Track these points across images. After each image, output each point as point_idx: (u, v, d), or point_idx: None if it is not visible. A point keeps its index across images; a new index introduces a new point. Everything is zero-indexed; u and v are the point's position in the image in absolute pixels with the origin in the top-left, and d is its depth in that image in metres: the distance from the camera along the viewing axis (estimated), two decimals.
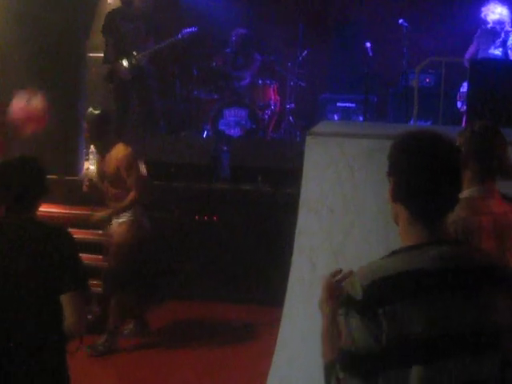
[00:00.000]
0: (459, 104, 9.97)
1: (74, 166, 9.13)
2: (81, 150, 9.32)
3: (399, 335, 2.33)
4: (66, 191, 8.68)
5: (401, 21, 10.57)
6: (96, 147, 7.50)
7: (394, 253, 2.48)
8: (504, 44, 9.60)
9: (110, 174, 7.04)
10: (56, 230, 3.70)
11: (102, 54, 10.37)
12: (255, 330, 7.68)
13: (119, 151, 7.02)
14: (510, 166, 3.74)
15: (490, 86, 7.90)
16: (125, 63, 9.94)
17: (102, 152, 7.13)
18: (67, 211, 8.55)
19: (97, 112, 6.95)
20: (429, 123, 9.79)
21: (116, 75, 10.02)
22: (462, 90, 9.91)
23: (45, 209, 8.22)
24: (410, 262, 2.41)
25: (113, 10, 10.26)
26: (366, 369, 2.38)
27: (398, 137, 2.55)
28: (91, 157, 9.55)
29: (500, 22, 9.65)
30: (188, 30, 10.17)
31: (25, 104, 6.93)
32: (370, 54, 10.79)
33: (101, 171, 7.20)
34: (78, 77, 9.13)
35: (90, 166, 9.52)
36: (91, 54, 10.20)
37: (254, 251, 8.31)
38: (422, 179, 2.45)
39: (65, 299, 3.51)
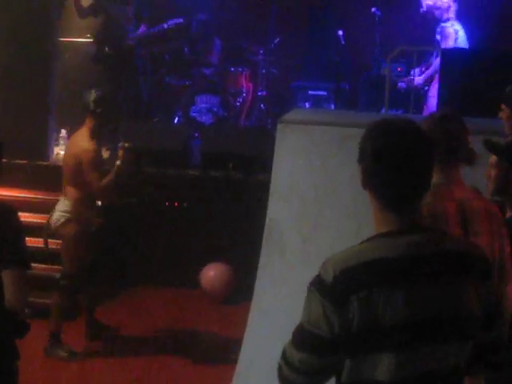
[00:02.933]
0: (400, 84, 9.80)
1: (43, 150, 9.06)
2: (51, 134, 9.26)
3: (371, 322, 2.34)
4: (33, 176, 8.64)
5: (373, 9, 10.58)
6: (100, 130, 6.83)
7: (367, 240, 2.48)
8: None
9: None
10: (3, 207, 3.65)
11: (75, 39, 10.36)
12: (224, 319, 7.69)
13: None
14: (472, 151, 3.77)
15: (462, 76, 7.94)
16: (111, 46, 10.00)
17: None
18: (35, 196, 8.50)
19: (103, 92, 6.73)
20: (400, 112, 9.81)
21: (105, 56, 10.06)
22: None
23: (12, 193, 8.29)
24: (382, 250, 2.41)
25: None
26: (313, 347, 2.42)
27: (368, 125, 2.54)
28: (61, 142, 9.50)
29: (435, 8, 9.37)
30: (174, 20, 10.48)
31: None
32: (343, 42, 10.80)
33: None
34: (49, 61, 9.07)
35: (60, 152, 9.47)
36: (63, 39, 10.12)
37: (224, 239, 8.31)
38: (387, 166, 2.43)
39: (7, 276, 3.39)
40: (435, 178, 3.63)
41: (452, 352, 2.44)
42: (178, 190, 8.62)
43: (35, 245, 7.19)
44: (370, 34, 10.71)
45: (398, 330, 2.36)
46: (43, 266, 7.77)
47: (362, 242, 2.48)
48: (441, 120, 3.74)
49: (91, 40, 10.44)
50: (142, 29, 10.45)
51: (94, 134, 6.72)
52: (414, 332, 2.38)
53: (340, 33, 10.80)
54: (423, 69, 9.66)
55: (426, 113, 9.02)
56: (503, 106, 4.95)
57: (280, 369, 2.51)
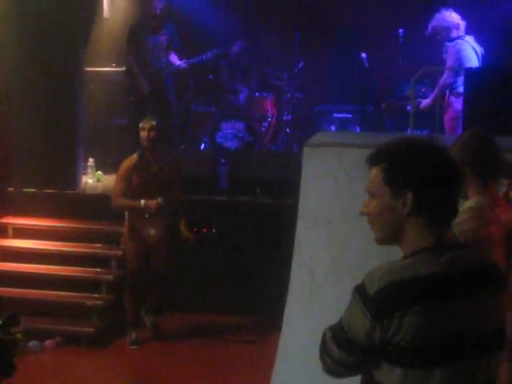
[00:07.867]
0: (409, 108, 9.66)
1: (71, 179, 9.14)
2: (79, 163, 9.34)
3: (421, 337, 2.37)
4: (63, 205, 8.72)
5: (400, 30, 10.58)
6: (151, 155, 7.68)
7: (412, 255, 2.50)
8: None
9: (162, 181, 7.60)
10: None
11: (100, 69, 10.50)
12: (255, 343, 7.69)
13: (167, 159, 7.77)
14: (506, 164, 3.77)
15: (486, 95, 7.91)
16: (146, 78, 10.13)
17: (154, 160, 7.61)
18: (65, 225, 8.59)
19: (155, 121, 7.55)
20: (425, 132, 9.79)
21: (136, 88, 10.16)
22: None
23: (41, 222, 8.39)
24: (427, 265, 2.44)
25: (137, 23, 10.44)
26: (351, 350, 2.48)
27: (407, 150, 2.57)
28: (89, 171, 9.58)
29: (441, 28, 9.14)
30: (216, 50, 10.61)
31: None
32: (366, 64, 10.81)
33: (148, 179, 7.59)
34: (75, 90, 9.16)
35: (89, 180, 9.55)
36: (89, 69, 10.23)
37: (253, 263, 8.31)
38: (447, 189, 2.51)
39: None
40: (477, 201, 3.63)
41: (493, 363, 2.51)
42: (206, 216, 8.64)
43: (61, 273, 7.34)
44: (393, 56, 10.73)
45: (447, 345, 2.40)
46: (74, 294, 7.84)
47: (407, 257, 2.51)
48: (470, 139, 3.75)
49: (118, 69, 10.58)
50: (173, 58, 10.53)
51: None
52: (461, 347, 2.42)
53: (363, 55, 10.81)
54: None
55: (447, 132, 8.98)
56: None
57: (322, 354, 2.57)
